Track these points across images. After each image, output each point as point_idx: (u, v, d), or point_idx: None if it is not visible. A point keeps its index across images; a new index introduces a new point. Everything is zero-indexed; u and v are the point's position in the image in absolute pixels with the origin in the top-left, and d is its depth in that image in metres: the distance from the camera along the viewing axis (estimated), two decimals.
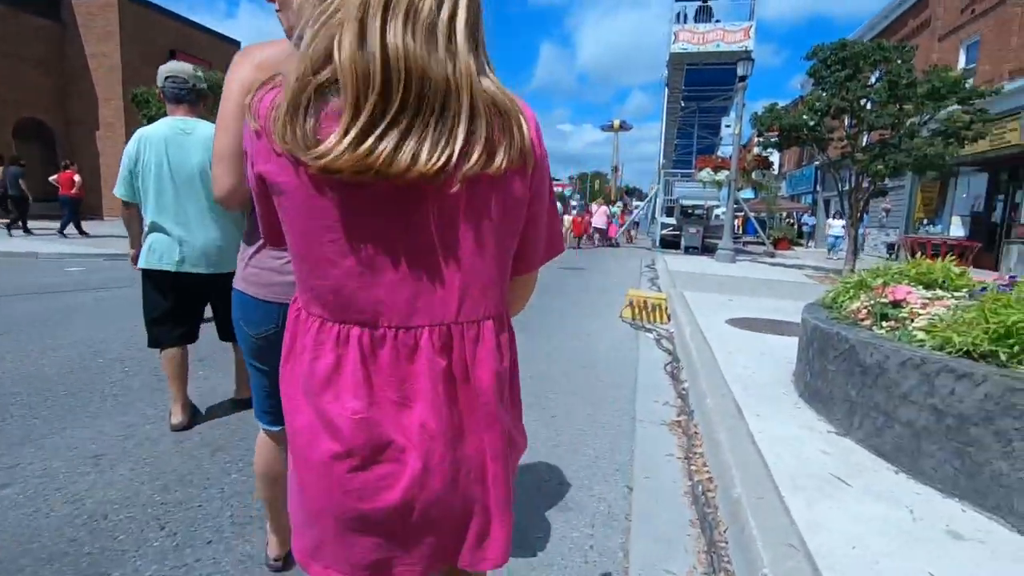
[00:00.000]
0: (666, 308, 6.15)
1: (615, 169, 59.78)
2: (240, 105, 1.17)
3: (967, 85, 10.53)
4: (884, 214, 19.84)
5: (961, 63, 15.71)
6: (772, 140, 12.74)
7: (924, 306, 2.80)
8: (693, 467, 2.58)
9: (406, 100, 0.66)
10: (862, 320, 3.00)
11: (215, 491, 2.10)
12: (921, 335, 2.57)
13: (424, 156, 0.67)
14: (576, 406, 3.29)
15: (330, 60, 0.65)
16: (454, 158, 0.68)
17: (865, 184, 11.73)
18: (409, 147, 0.66)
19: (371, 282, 0.76)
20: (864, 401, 2.58)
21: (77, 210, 12.22)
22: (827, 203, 26.98)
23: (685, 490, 2.36)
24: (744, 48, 16.71)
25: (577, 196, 35.02)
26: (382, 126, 0.65)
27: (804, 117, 11.84)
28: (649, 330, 5.62)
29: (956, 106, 10.61)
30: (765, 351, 4.40)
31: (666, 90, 20.67)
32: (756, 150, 18.17)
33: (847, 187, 12.25)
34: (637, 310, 6.08)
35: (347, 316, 0.77)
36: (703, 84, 20.41)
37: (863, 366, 2.60)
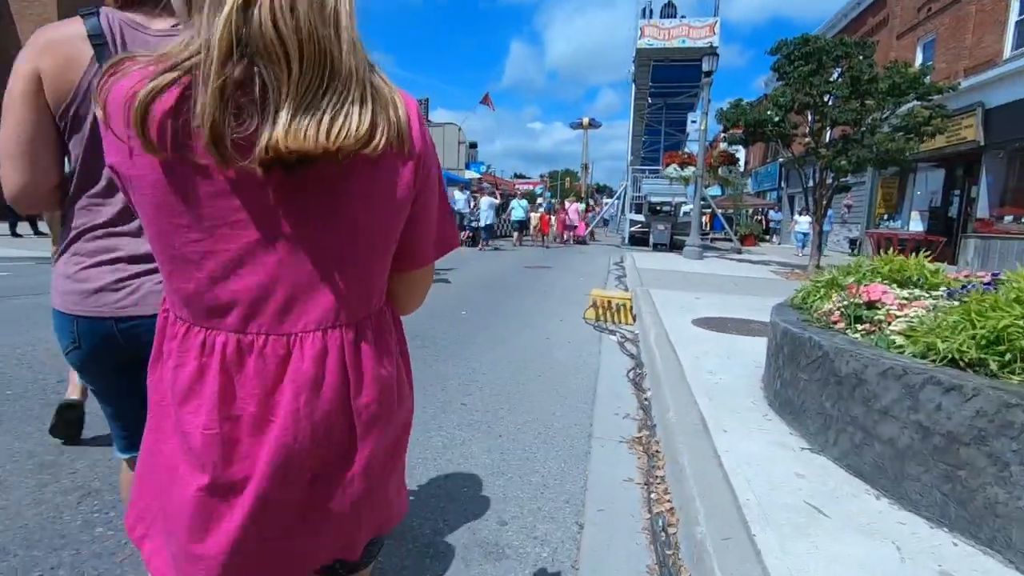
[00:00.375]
0: (631, 308, 5.89)
1: (585, 167, 59.88)
2: (26, 93, 1.06)
3: (926, 81, 10.60)
4: (846, 210, 20.16)
5: (918, 61, 15.98)
6: (737, 136, 12.68)
7: (901, 307, 2.57)
8: (654, 495, 2.28)
9: (315, 77, 0.62)
10: (835, 323, 2.76)
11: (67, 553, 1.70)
12: (900, 340, 2.33)
13: (330, 129, 0.62)
14: (528, 423, 2.97)
15: (238, 38, 0.60)
16: (352, 134, 0.63)
17: (828, 180, 11.75)
18: (320, 123, 0.62)
19: (238, 284, 0.69)
20: (840, 415, 2.32)
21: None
22: (792, 199, 27.39)
23: (644, 525, 2.05)
24: (709, 44, 16.70)
25: (547, 195, 34.75)
26: (304, 104, 0.62)
27: (769, 112, 11.81)
28: (613, 332, 5.34)
29: (915, 102, 10.70)
30: (733, 353, 4.16)
31: (633, 87, 20.58)
32: (722, 146, 18.23)
33: (811, 183, 12.26)
34: (601, 311, 5.80)
35: (213, 321, 0.71)
36: (669, 81, 20.39)
37: (839, 376, 2.34)
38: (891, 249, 3.59)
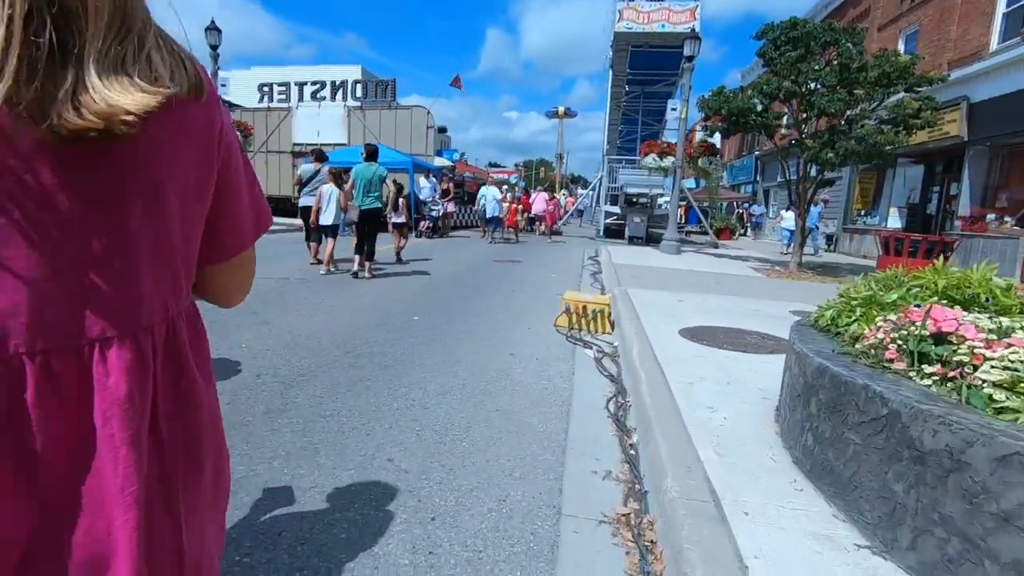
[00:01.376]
0: (609, 315, 5.14)
1: (560, 157, 59.29)
2: None
3: (915, 71, 10.11)
4: (823, 205, 19.86)
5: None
6: (716, 126, 12.06)
7: (989, 344, 1.85)
8: None
9: (114, 26, 0.55)
10: (890, 361, 2.04)
11: None
12: (1001, 396, 1.62)
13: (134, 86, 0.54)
14: (475, 492, 2.18)
15: None
16: (153, 88, 0.55)
17: (813, 173, 11.23)
18: (125, 79, 0.54)
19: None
20: (922, 508, 1.59)
21: None
22: (767, 193, 27.19)
23: None
24: (691, 29, 16.02)
25: (521, 184, 33.83)
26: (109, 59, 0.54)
27: (753, 100, 11.20)
28: (589, 345, 4.58)
29: (903, 93, 10.21)
30: (733, 378, 3.45)
31: (610, 73, 19.83)
32: (699, 135, 17.63)
33: (794, 176, 11.73)
34: (575, 318, 5.04)
35: None
36: (648, 68, 19.72)
37: (919, 450, 1.61)
38: (901, 251, 2.96)
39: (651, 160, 13.50)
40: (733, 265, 12.00)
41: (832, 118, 10.72)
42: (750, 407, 2.96)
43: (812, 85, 10.38)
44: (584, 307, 5.05)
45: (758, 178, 27.92)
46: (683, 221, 21.12)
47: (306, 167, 8.69)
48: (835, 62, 10.26)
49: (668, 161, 13.31)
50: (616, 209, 19.34)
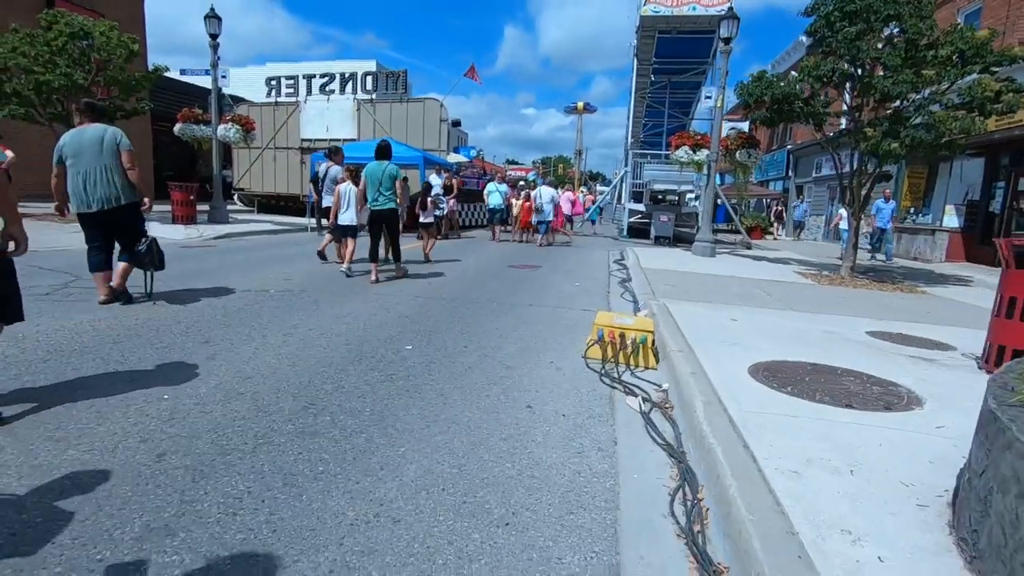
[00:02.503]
0: (653, 343, 4.04)
1: (579, 153, 58.10)
2: None
3: (992, 49, 8.79)
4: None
5: None
6: (758, 114, 10.81)
7: None
8: None
9: None
10: None
11: None
12: None
13: None
14: None
15: None
16: None
17: (870, 167, 9.94)
18: None
19: None
20: None
21: None
22: (800, 189, 25.65)
23: None
24: (727, 9, 14.74)
25: (539, 180, 32.56)
26: None
27: (799, 86, 9.96)
28: (631, 389, 3.50)
29: (978, 74, 8.88)
30: (855, 461, 2.33)
31: (635, 61, 18.59)
32: (726, 129, 16.19)
33: (847, 170, 10.45)
34: (611, 348, 3.96)
35: None
36: (675, 56, 18.44)
37: None
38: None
39: (683, 153, 12.30)
40: (775, 269, 10.77)
41: (893, 103, 9.43)
42: (906, 524, 1.86)
43: (872, 65, 9.11)
44: (622, 335, 3.95)
45: (790, 173, 26.38)
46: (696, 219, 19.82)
47: (322, 167, 8.44)
48: (898, 39, 8.99)
49: (702, 154, 12.11)
50: (641, 207, 18.13)
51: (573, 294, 6.88)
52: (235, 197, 21.68)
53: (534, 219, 14.07)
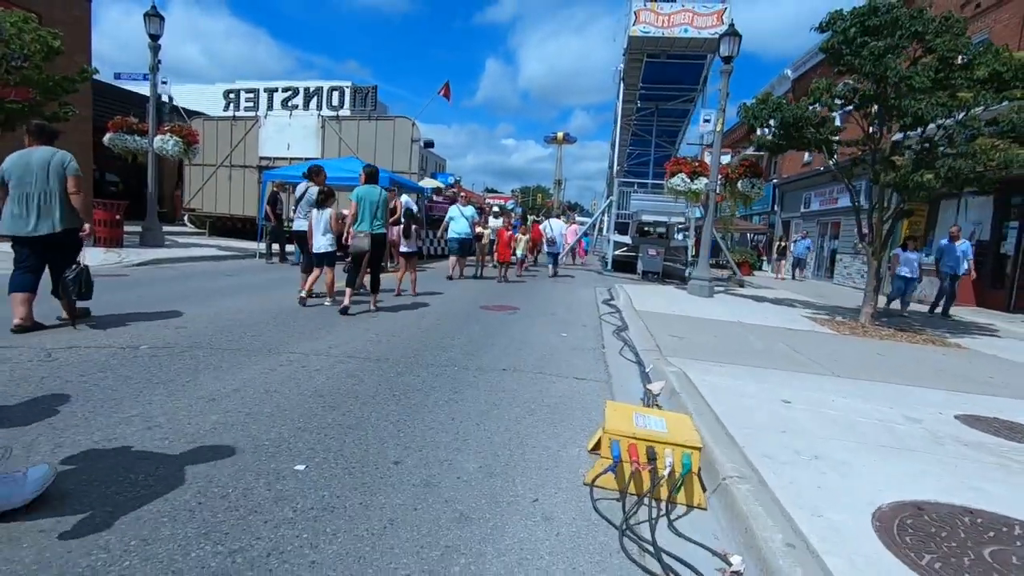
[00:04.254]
0: (699, 472, 2.51)
1: (558, 183, 57.60)
2: None
3: None
4: (860, 239, 17.54)
5: None
6: (764, 140, 9.68)
7: None
8: None
9: None
10: None
11: None
12: None
13: None
14: None
15: None
16: None
17: (894, 201, 8.81)
18: None
19: None
20: None
21: None
22: (787, 225, 24.90)
23: None
24: (718, 34, 13.83)
25: (518, 210, 31.30)
26: None
27: (811, 109, 8.85)
28: (673, 569, 1.96)
29: (1017, 99, 7.85)
30: None
31: (621, 86, 17.60)
32: (723, 157, 14.98)
33: (864, 204, 9.31)
34: (633, 481, 2.42)
35: None
36: (663, 81, 17.52)
37: None
38: None
39: (679, 181, 11.09)
40: (783, 314, 9.47)
41: (916, 129, 8.35)
42: None
43: (900, 86, 8.02)
44: (651, 451, 2.42)
45: (775, 208, 25.67)
46: (694, 254, 18.60)
47: (300, 187, 7.74)
48: (927, 58, 7.96)
49: (700, 183, 10.91)
50: (627, 239, 16.92)
51: (560, 350, 5.37)
52: (184, 218, 19.84)
53: (546, 251, 12.86)
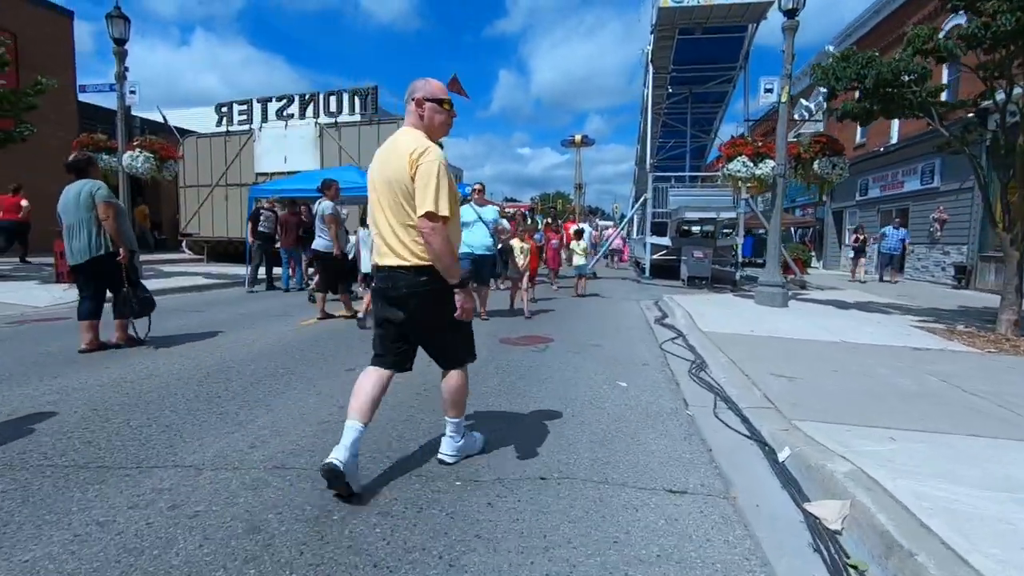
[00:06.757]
0: None
1: (579, 187, 55.77)
2: None
3: None
4: (937, 226, 15.17)
5: None
6: (850, 106, 7.66)
7: None
8: None
9: None
10: None
11: None
12: None
13: None
14: None
15: None
16: None
17: None
18: None
19: None
20: None
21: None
22: (839, 216, 22.47)
23: None
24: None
25: (539, 218, 29.25)
26: None
27: (915, 62, 6.82)
28: None
29: None
30: None
31: (649, 70, 15.64)
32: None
33: (990, 179, 7.21)
34: None
35: None
36: (698, 61, 15.51)
37: None
38: None
39: (739, 166, 9.09)
40: (883, 324, 7.38)
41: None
42: None
43: None
44: None
45: (824, 198, 23.24)
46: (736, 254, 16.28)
47: (324, 205, 6.99)
48: None
49: (766, 166, 8.91)
50: (666, 241, 14.90)
51: (626, 419, 3.46)
52: (183, 244, 18.51)
53: (575, 263, 10.83)
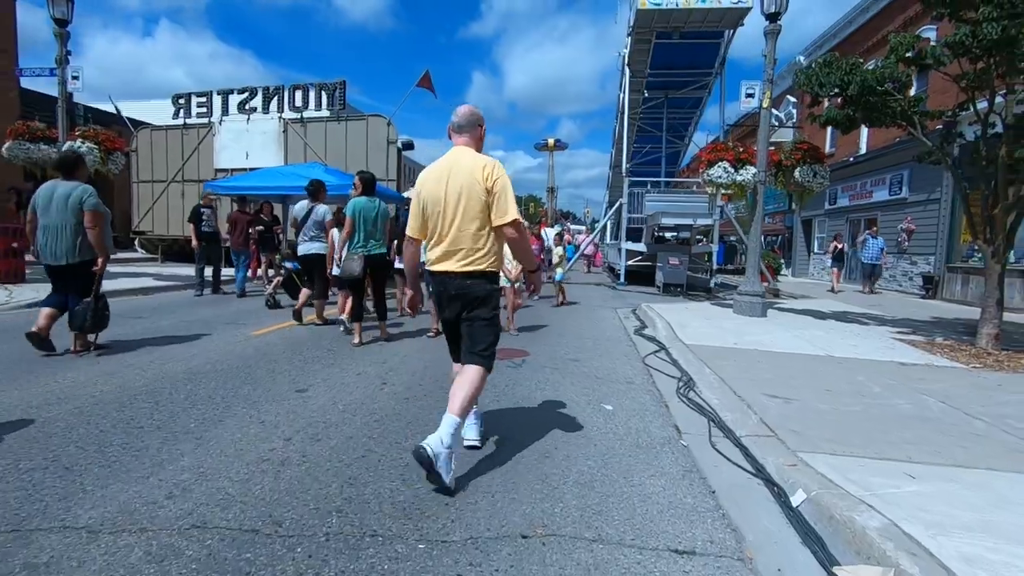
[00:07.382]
0: None
1: (551, 190, 55.72)
2: None
3: None
4: (905, 236, 15.37)
5: None
6: (833, 112, 7.50)
7: None
8: None
9: None
10: None
11: None
12: None
13: None
14: None
15: None
16: None
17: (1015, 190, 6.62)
18: None
19: None
20: None
21: None
22: (808, 225, 22.76)
23: None
24: (741, 5, 11.76)
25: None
26: None
27: (930, 55, 6.70)
28: None
29: None
30: None
31: (626, 73, 15.45)
32: (720, 170, 11.92)
33: (974, 192, 7.14)
34: None
35: None
36: (675, 66, 15.39)
37: None
38: None
39: (720, 172, 8.89)
40: (863, 336, 7.23)
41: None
42: None
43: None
44: None
45: (793, 206, 23.52)
46: (706, 261, 16.19)
47: (300, 205, 6.71)
48: None
49: (748, 173, 8.72)
50: (641, 247, 14.70)
51: (615, 451, 3.07)
52: (135, 243, 17.46)
53: (556, 271, 10.07)
